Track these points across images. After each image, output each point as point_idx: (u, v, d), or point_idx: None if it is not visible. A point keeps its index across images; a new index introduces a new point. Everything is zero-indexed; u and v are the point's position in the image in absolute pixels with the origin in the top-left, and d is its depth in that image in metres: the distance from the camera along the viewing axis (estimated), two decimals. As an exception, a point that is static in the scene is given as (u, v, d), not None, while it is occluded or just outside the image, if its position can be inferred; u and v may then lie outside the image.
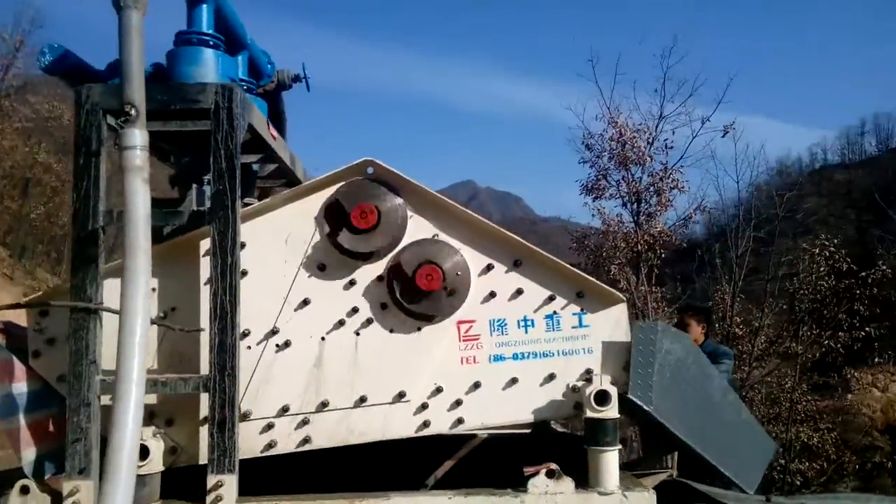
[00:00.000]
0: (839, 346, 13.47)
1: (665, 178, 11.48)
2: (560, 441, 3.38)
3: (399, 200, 2.65)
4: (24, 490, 2.36)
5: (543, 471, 2.47)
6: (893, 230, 31.84)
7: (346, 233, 2.59)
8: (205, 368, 2.53)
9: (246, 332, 2.58)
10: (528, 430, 3.08)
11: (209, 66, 2.89)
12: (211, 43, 2.94)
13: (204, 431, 2.54)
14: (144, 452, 2.38)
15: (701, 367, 2.82)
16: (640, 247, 11.49)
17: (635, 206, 12.06)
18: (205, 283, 2.60)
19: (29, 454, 2.42)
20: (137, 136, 2.12)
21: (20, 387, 2.47)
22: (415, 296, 2.59)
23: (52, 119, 26.46)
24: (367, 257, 2.64)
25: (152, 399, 2.55)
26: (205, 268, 2.61)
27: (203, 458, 2.50)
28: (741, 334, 14.05)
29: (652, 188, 11.68)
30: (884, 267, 13.82)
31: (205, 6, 2.97)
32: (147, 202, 2.11)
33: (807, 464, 13.10)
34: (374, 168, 2.67)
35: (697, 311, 6.05)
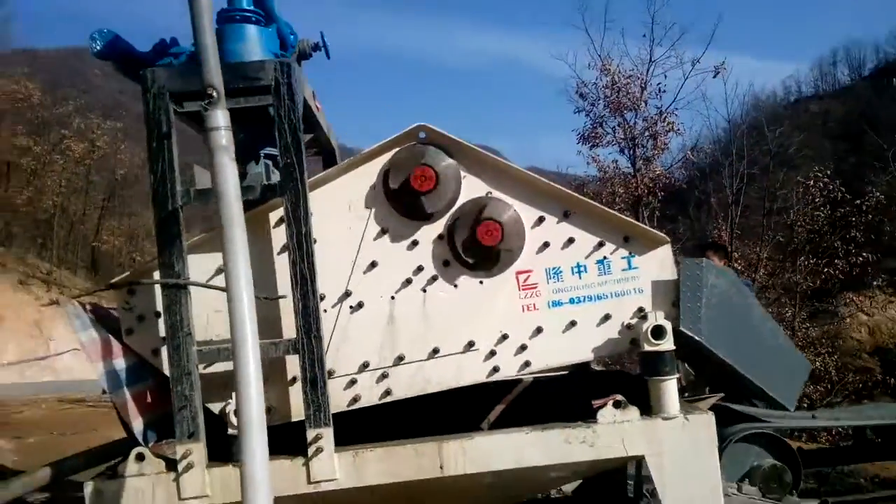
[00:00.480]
0: (837, 273, 13.90)
1: (661, 121, 11.63)
2: (600, 377, 3.66)
3: (453, 161, 2.82)
4: (140, 457, 2.57)
5: (611, 402, 2.72)
6: (872, 158, 32.24)
7: (408, 195, 2.76)
8: (286, 333, 2.74)
9: (321, 296, 2.77)
10: (565, 371, 3.34)
11: (254, 43, 3.02)
12: (253, 19, 3.05)
13: (293, 391, 2.76)
14: (242, 414, 2.59)
15: (743, 298, 3.06)
16: (639, 191, 11.73)
17: (631, 151, 12.25)
18: (277, 253, 2.79)
19: (138, 424, 2.63)
20: (220, 117, 2.27)
21: (119, 363, 2.66)
22: (476, 251, 2.78)
23: (21, 100, 26.01)
24: (428, 217, 2.82)
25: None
26: (276, 238, 2.79)
27: (294, 416, 2.73)
28: (741, 269, 14.44)
29: (647, 132, 11.86)
30: (878, 193, 14.17)
31: (250, -18, 3.07)
32: (236, 178, 2.27)
33: (811, 387, 13.66)
34: (426, 132, 2.83)
35: (718, 247, 6.42)
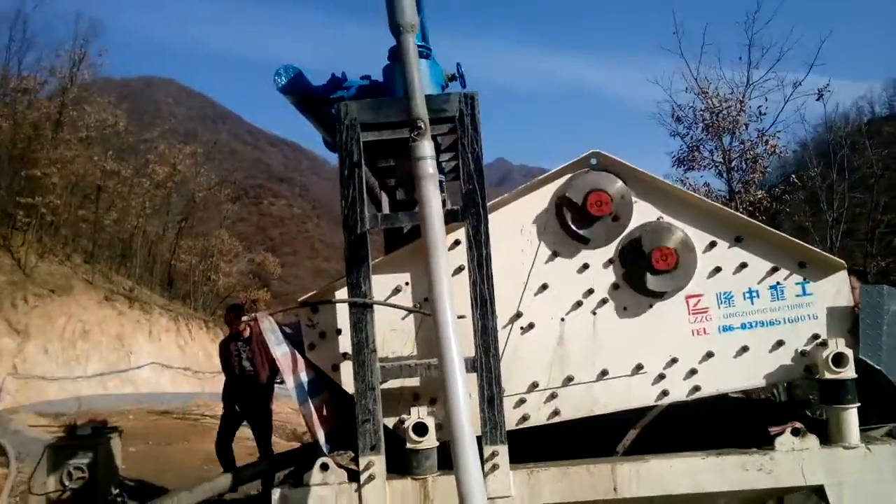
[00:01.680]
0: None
1: (761, 143, 11.46)
2: (748, 407, 3.66)
3: (625, 187, 2.94)
4: (324, 467, 2.77)
5: (789, 429, 2.75)
6: None
7: (582, 220, 2.90)
8: (466, 352, 2.90)
9: (494, 316, 2.93)
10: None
11: (426, 76, 3.24)
12: (424, 53, 3.28)
13: (463, 409, 2.91)
14: (422, 430, 2.77)
15: (920, 326, 3.04)
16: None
17: (728, 174, 12.07)
18: (453, 275, 2.96)
19: (321, 434, 2.83)
20: (427, 148, 2.47)
21: (303, 376, 2.88)
22: (651, 275, 2.89)
23: (108, 127, 27.76)
24: (599, 242, 2.95)
25: (416, 382, 2.94)
26: (451, 261, 2.97)
27: (465, 433, 2.87)
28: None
29: (745, 155, 11.68)
30: None
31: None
32: (440, 205, 2.46)
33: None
34: (598, 159, 2.97)
35: (860, 273, 6.35)
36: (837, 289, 2.95)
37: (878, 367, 2.83)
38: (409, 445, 2.77)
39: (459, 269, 2.96)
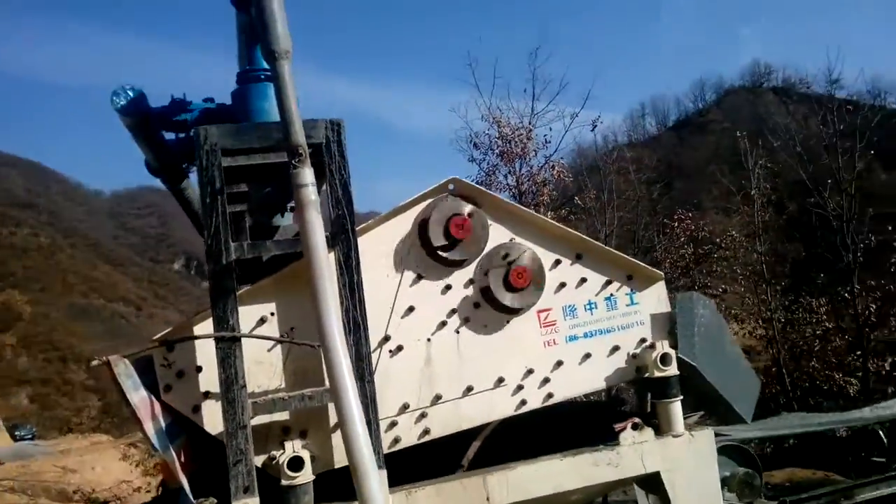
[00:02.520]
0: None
1: (549, 168, 12.79)
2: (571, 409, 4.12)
3: (482, 211, 3.20)
4: (197, 517, 2.62)
5: (629, 425, 3.17)
6: (681, 201, 36.43)
7: (445, 243, 3.10)
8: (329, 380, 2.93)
9: (363, 342, 3.00)
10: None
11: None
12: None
13: (335, 438, 2.94)
14: (299, 464, 2.75)
15: (720, 326, 3.67)
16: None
17: (519, 198, 13.25)
18: (318, 302, 2.99)
19: (185, 482, 2.67)
20: (308, 175, 2.49)
21: (161, 421, 2.71)
22: (508, 292, 3.16)
23: None
24: (460, 264, 3.17)
25: (285, 415, 2.90)
26: (317, 288, 2.99)
27: (338, 462, 2.90)
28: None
29: (534, 179, 12.97)
30: (733, 232, 16.24)
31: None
32: (323, 232, 2.50)
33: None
34: (455, 185, 3.20)
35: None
36: (658, 297, 3.46)
37: (693, 364, 3.37)
38: (284, 482, 2.73)
39: (325, 296, 2.99)
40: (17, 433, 33.74)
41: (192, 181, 4.19)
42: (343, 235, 2.86)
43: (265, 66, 3.27)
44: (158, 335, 2.83)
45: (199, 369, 2.84)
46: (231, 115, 3.34)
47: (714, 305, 3.66)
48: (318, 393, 2.81)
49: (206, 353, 2.84)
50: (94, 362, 2.62)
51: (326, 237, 2.88)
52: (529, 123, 13.02)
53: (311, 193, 2.49)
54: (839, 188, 16.55)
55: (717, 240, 15.75)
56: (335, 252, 2.85)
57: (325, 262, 2.48)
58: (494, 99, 13.74)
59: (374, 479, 2.28)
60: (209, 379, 2.83)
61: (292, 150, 2.49)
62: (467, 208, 3.16)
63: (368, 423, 2.80)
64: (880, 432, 6.03)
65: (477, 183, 14.60)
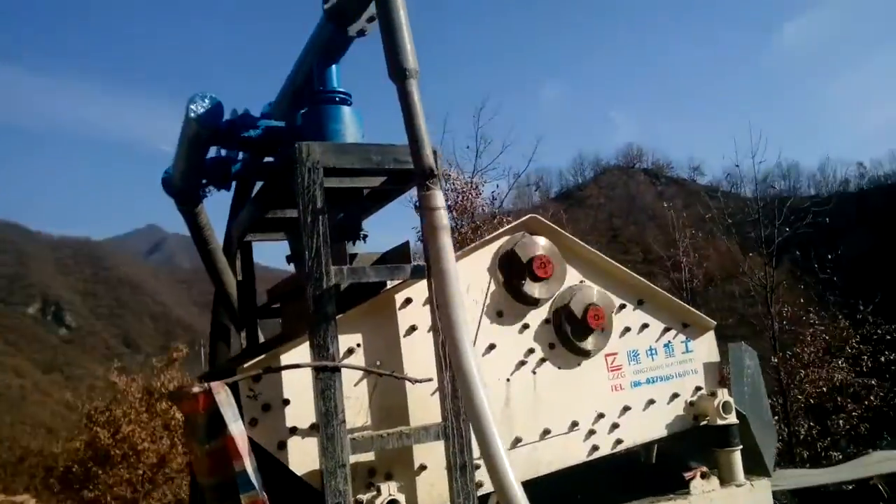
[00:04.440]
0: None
1: (497, 222, 13.21)
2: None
3: (559, 251, 3.32)
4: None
5: (698, 473, 3.31)
6: None
7: (528, 281, 3.18)
8: (415, 420, 2.91)
9: (449, 379, 3.00)
10: None
11: (350, 123, 3.26)
12: (348, 101, 3.30)
13: (420, 480, 2.90)
14: (395, 507, 2.68)
15: (761, 377, 3.92)
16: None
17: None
18: (404, 336, 2.98)
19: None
20: (440, 198, 2.52)
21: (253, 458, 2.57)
22: (583, 334, 3.27)
23: None
24: (537, 303, 3.25)
25: (370, 456, 2.83)
26: (403, 321, 2.99)
27: (423, 507, 2.86)
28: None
29: (483, 234, 13.35)
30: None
31: (335, 66, 3.33)
32: (454, 258, 2.52)
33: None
34: (535, 223, 3.31)
35: None
36: (709, 345, 3.67)
37: (745, 414, 3.58)
38: (376, 528, 2.65)
39: (413, 329, 2.99)
40: None
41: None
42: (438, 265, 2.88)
43: (335, 86, 3.28)
44: (249, 363, 2.71)
45: (287, 402, 2.74)
46: (299, 135, 3.32)
47: (756, 357, 3.90)
48: (416, 431, 2.77)
49: (292, 384, 2.76)
50: (196, 389, 2.48)
51: (420, 266, 2.91)
52: (472, 178, 13.46)
53: (443, 217, 2.52)
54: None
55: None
56: (433, 282, 2.86)
57: (460, 290, 2.49)
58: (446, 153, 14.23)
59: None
60: (297, 413, 2.74)
61: (424, 173, 2.52)
62: (549, 247, 3.27)
63: (464, 466, 2.80)
64: (879, 486, 6.53)
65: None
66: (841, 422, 17.06)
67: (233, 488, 2.75)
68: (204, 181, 3.85)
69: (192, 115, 3.00)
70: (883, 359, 17.93)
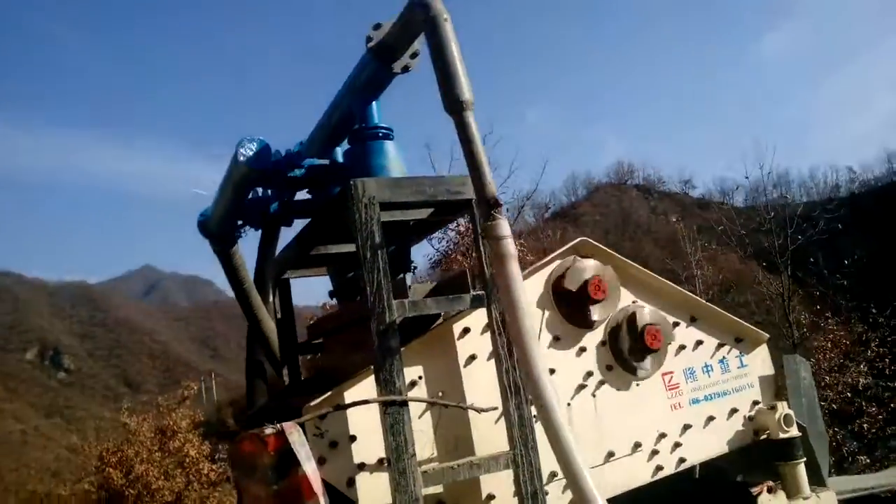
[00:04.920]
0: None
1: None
2: None
3: (615, 273, 3.33)
4: None
5: (765, 489, 3.30)
6: None
7: (583, 304, 3.18)
8: (480, 450, 2.90)
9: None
10: None
11: (395, 157, 3.29)
12: (391, 136, 3.33)
13: (487, 511, 2.88)
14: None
15: (814, 388, 3.91)
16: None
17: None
18: (464, 366, 2.98)
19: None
20: (506, 227, 2.54)
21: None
22: (641, 354, 3.27)
23: None
24: (592, 325, 3.25)
25: (438, 489, 2.82)
26: (462, 351, 2.99)
27: (493, 537, 2.84)
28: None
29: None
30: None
31: (375, 103, 3.36)
32: (524, 287, 2.53)
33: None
34: (587, 246, 3.33)
35: None
36: (763, 358, 3.67)
37: (805, 426, 3.57)
38: (454, 564, 2.63)
39: (472, 358, 2.99)
40: None
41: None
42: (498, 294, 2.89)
43: (380, 123, 3.31)
44: (316, 401, 2.71)
45: (353, 438, 2.73)
46: (343, 172, 3.34)
47: (809, 367, 3.90)
48: (486, 461, 2.76)
49: (356, 421, 2.75)
50: (269, 430, 2.47)
51: (480, 296, 2.91)
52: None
53: (510, 245, 2.52)
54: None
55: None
56: (492, 311, 2.87)
57: (531, 319, 2.50)
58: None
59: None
60: (364, 449, 2.74)
61: (489, 202, 2.53)
62: (602, 268, 3.28)
63: (535, 493, 2.78)
64: None
65: (436, 262, 14.99)
66: (866, 426, 16.98)
67: None
68: (240, 222, 3.87)
69: (243, 158, 3.02)
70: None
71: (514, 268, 2.51)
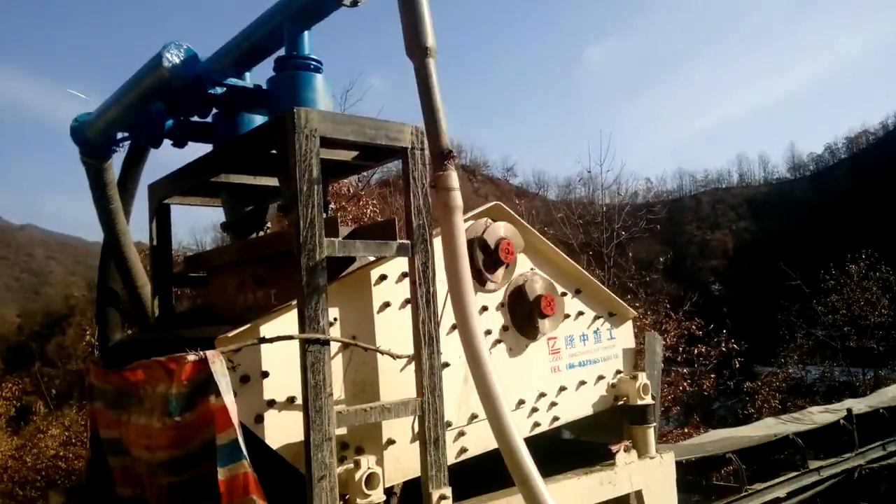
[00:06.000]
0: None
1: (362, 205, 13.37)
2: None
3: (520, 237, 3.51)
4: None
5: (622, 447, 3.68)
6: None
7: (486, 265, 3.34)
8: (385, 395, 2.98)
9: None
10: None
11: (323, 92, 3.22)
12: (321, 69, 3.24)
13: (387, 454, 2.98)
14: (375, 480, 2.75)
15: (661, 362, 4.39)
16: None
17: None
18: (378, 312, 3.03)
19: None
20: (455, 179, 2.61)
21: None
22: (536, 319, 3.50)
23: None
24: (493, 287, 3.43)
25: (342, 430, 2.86)
26: (377, 297, 3.04)
27: (389, 480, 2.94)
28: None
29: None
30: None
31: (306, 32, 3.25)
32: (465, 239, 2.62)
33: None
34: (499, 210, 3.48)
35: None
36: (628, 333, 4.07)
37: (656, 396, 4.01)
38: (360, 501, 2.70)
39: (386, 305, 3.05)
40: None
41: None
42: (422, 244, 2.96)
43: (306, 52, 3.21)
44: (232, 333, 2.63)
45: (266, 374, 2.70)
46: (265, 100, 3.23)
47: (661, 343, 4.37)
48: (397, 406, 2.85)
49: (270, 356, 2.72)
50: (192, 357, 2.37)
51: (405, 244, 2.96)
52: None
53: (457, 198, 2.61)
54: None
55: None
56: (414, 261, 2.93)
57: (468, 270, 2.60)
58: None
59: (542, 486, 2.45)
60: (275, 386, 2.71)
61: (442, 153, 2.59)
62: (514, 234, 3.45)
63: (436, 439, 2.92)
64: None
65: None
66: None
67: (191, 462, 2.68)
68: (124, 135, 3.60)
69: (168, 63, 2.82)
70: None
71: (459, 220, 2.61)
